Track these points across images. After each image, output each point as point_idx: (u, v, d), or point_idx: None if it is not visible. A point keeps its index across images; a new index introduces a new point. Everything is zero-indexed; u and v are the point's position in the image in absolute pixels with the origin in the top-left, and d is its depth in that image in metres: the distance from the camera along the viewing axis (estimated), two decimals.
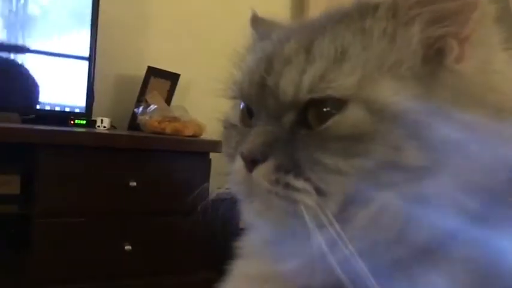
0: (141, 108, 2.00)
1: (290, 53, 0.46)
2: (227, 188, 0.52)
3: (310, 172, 0.43)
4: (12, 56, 1.84)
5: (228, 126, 0.56)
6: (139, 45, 2.26)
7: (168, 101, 2.16)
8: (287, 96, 0.45)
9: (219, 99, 0.56)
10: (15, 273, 1.56)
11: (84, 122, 1.91)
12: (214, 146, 1.51)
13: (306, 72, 0.44)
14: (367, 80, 0.42)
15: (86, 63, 1.94)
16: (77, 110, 1.96)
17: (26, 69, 1.86)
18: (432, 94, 0.42)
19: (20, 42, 1.85)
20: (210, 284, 0.58)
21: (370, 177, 0.41)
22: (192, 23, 2.31)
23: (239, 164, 0.47)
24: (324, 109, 0.44)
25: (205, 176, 1.61)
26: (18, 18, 1.84)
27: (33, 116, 1.89)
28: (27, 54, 1.87)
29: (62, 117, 1.89)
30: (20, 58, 1.86)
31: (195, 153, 1.81)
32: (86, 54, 1.94)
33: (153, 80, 2.14)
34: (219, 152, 0.58)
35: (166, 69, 2.17)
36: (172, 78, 2.18)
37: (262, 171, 0.45)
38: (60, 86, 1.95)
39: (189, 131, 1.92)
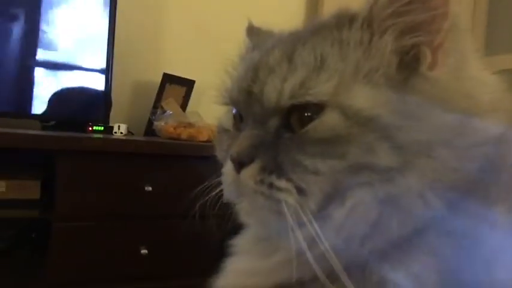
0: (157, 115, 2.04)
1: (274, 62, 0.50)
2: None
3: (291, 173, 0.46)
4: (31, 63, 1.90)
5: (221, 130, 0.59)
6: (155, 53, 2.31)
7: (184, 107, 2.20)
8: (271, 103, 0.48)
9: None
10: (35, 276, 1.60)
11: (102, 128, 1.95)
12: None
13: (287, 80, 0.47)
14: (343, 86, 0.45)
15: (103, 71, 1.99)
16: (94, 117, 2.00)
17: (46, 77, 1.92)
18: (405, 99, 0.45)
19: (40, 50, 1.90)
20: None
21: (346, 177, 0.44)
22: (207, 30, 2.35)
23: (229, 166, 0.51)
24: (306, 114, 0.47)
25: (216, 176, 1.62)
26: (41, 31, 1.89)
27: (53, 122, 1.95)
28: (47, 62, 1.92)
29: (81, 123, 1.94)
30: (40, 65, 1.92)
31: (209, 157, 1.82)
32: (104, 63, 1.98)
33: (168, 87, 2.18)
34: None
35: (182, 76, 2.21)
36: (188, 84, 2.21)
37: (249, 172, 0.48)
38: (79, 93, 2.00)
39: (203, 137, 1.95)
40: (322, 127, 0.45)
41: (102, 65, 1.98)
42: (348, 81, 0.46)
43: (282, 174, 0.47)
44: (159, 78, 2.17)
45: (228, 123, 0.58)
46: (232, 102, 0.55)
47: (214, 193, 0.57)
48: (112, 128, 1.98)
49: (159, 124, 1.98)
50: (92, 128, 1.94)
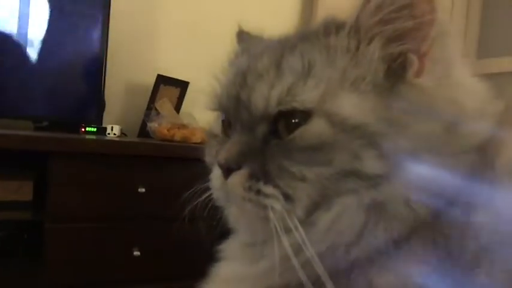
0: (150, 116, 2.04)
1: (262, 68, 0.50)
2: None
3: (278, 179, 0.47)
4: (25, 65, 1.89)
5: (211, 136, 0.59)
6: (149, 54, 2.30)
7: (178, 108, 2.20)
8: (258, 109, 0.49)
9: None
10: (27, 278, 1.59)
11: (95, 129, 1.95)
12: None
13: (275, 87, 0.47)
14: (329, 94, 0.46)
15: (96, 72, 1.98)
16: (87, 118, 2.00)
17: (37, 78, 1.91)
18: (391, 107, 0.45)
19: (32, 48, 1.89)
20: None
21: (332, 183, 0.45)
22: (201, 31, 2.35)
23: (217, 171, 0.51)
24: (293, 120, 0.47)
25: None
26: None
27: (46, 123, 1.94)
28: (39, 62, 1.92)
29: (73, 125, 1.93)
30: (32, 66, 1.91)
31: (203, 160, 1.82)
32: (97, 62, 1.98)
33: (162, 88, 2.18)
34: None
35: (176, 77, 2.21)
36: (182, 86, 2.21)
37: (237, 178, 0.48)
38: (72, 94, 2.00)
39: (197, 138, 1.95)
40: (308, 134, 0.46)
41: (96, 65, 1.98)
42: (335, 88, 0.46)
43: (269, 180, 0.47)
44: (153, 80, 2.17)
45: (217, 128, 0.59)
46: (221, 108, 0.55)
47: (203, 197, 0.57)
48: (105, 129, 1.97)
49: (152, 125, 1.98)
50: (85, 129, 1.93)
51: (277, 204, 0.46)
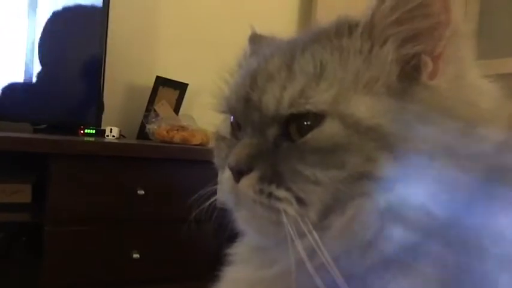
0: (149, 118, 2.03)
1: (273, 69, 0.49)
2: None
3: (291, 182, 0.46)
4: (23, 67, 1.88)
5: (219, 138, 0.59)
6: (148, 55, 2.30)
7: (177, 110, 2.20)
8: (269, 111, 0.48)
9: None
10: (26, 280, 1.58)
11: (94, 131, 1.95)
12: None
13: (287, 89, 0.47)
14: (342, 95, 0.45)
15: (95, 74, 1.97)
16: (86, 120, 1.99)
17: (36, 80, 1.90)
18: (406, 109, 0.44)
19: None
20: None
21: (346, 186, 0.44)
22: (201, 33, 2.34)
23: (227, 174, 0.50)
24: (305, 123, 0.46)
25: (213, 184, 1.61)
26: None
27: (45, 125, 1.93)
28: (38, 64, 1.91)
29: (72, 127, 1.92)
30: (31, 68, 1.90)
31: (202, 161, 1.82)
32: (96, 64, 1.97)
33: (161, 90, 2.17)
34: None
35: (175, 79, 2.20)
36: (181, 87, 2.21)
37: (248, 181, 0.48)
38: (71, 96, 1.99)
39: (196, 140, 1.95)
40: (321, 136, 0.45)
41: (94, 67, 1.97)
42: (348, 90, 0.45)
43: (281, 183, 0.46)
44: (152, 81, 2.16)
45: (226, 130, 0.58)
46: (230, 110, 0.55)
47: (209, 202, 0.57)
48: (104, 131, 1.97)
49: (151, 127, 1.97)
50: (84, 131, 1.93)
51: (290, 208, 0.45)
